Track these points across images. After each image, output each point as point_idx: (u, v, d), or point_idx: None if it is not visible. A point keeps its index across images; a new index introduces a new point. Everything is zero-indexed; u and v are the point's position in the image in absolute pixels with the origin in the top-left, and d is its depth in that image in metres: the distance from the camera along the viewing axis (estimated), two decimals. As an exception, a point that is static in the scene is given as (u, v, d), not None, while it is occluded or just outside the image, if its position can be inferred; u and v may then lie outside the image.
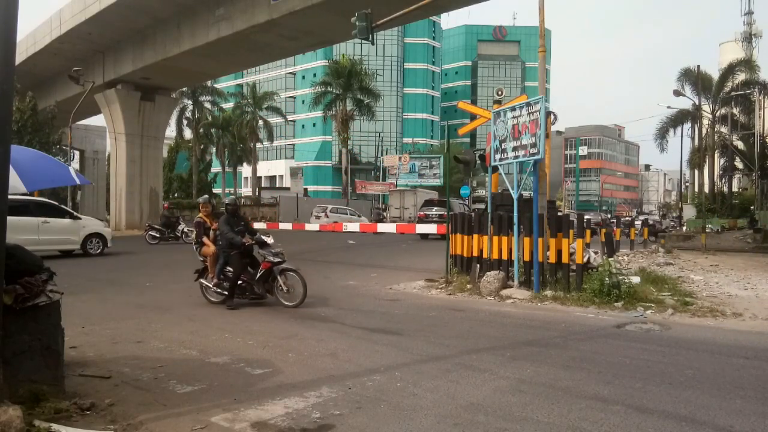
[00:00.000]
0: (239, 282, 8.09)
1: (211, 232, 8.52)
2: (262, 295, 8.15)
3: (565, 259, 8.86)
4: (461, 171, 32.59)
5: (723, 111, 38.65)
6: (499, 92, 12.78)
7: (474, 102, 79.02)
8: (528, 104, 9.11)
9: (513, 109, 9.50)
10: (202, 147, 51.74)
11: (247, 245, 8.05)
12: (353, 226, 22.18)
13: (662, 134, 41.03)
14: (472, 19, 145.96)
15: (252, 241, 8.08)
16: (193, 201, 44.48)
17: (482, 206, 28.09)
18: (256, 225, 28.35)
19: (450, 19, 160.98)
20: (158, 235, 21.64)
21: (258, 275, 8.06)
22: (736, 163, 40.79)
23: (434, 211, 27.23)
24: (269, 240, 8.17)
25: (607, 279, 8.26)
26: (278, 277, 8.02)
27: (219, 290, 8.24)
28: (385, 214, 39.27)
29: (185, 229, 21.60)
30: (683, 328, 6.78)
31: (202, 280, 8.54)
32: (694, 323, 7.09)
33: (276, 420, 3.71)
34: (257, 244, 8.11)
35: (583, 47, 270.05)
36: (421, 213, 28.57)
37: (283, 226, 24.25)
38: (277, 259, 7.99)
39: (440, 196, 33.16)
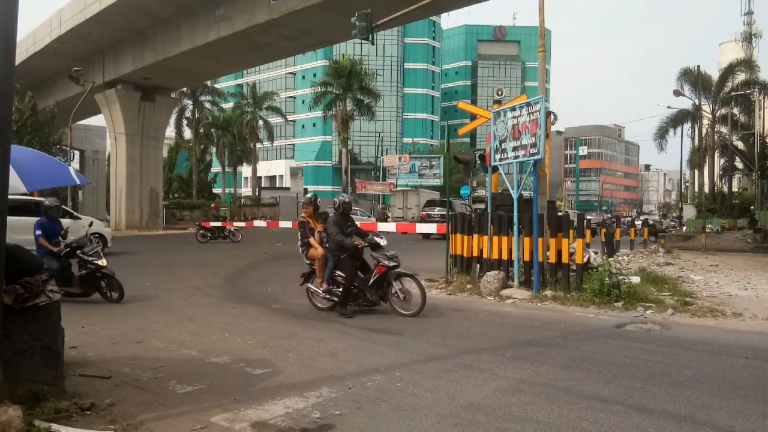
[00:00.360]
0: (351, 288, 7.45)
1: (316, 234, 7.83)
2: (375, 302, 7.52)
3: (565, 259, 8.87)
4: (461, 171, 32.56)
5: (723, 111, 38.62)
6: (499, 92, 12.77)
7: (474, 102, 79.02)
8: (528, 104, 9.11)
9: (513, 109, 9.51)
10: (202, 147, 51.67)
11: (359, 248, 7.49)
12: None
13: (662, 134, 41.03)
14: (472, 19, 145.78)
15: (364, 243, 7.47)
16: (193, 201, 44.46)
17: (482, 206, 28.14)
18: (257, 223, 28.58)
19: (450, 19, 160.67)
20: (209, 234, 22.54)
21: (371, 281, 7.43)
22: (736, 163, 40.77)
23: (436, 211, 27.39)
24: (382, 242, 7.55)
25: (607, 279, 8.27)
26: (393, 283, 7.38)
27: (328, 296, 7.59)
28: (388, 213, 39.36)
29: (233, 230, 22.78)
30: (683, 328, 6.79)
31: (309, 285, 7.89)
32: (694, 323, 7.10)
33: (276, 420, 3.71)
34: (369, 246, 7.49)
35: (583, 47, 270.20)
36: (424, 213, 28.70)
37: (283, 224, 24.55)
38: (392, 263, 7.35)
39: (442, 196, 33.22)
